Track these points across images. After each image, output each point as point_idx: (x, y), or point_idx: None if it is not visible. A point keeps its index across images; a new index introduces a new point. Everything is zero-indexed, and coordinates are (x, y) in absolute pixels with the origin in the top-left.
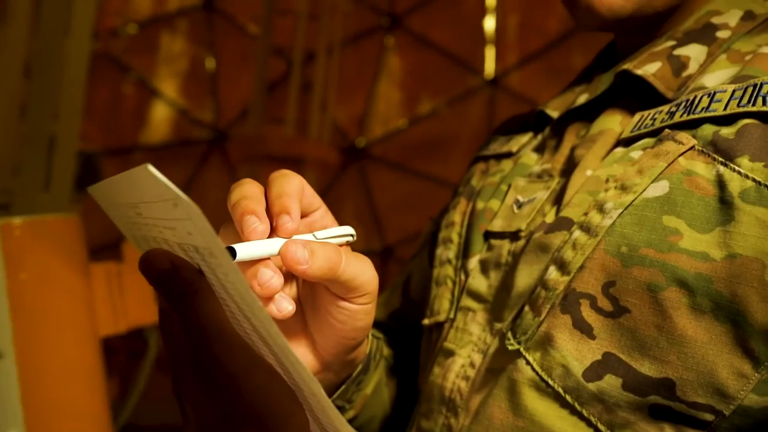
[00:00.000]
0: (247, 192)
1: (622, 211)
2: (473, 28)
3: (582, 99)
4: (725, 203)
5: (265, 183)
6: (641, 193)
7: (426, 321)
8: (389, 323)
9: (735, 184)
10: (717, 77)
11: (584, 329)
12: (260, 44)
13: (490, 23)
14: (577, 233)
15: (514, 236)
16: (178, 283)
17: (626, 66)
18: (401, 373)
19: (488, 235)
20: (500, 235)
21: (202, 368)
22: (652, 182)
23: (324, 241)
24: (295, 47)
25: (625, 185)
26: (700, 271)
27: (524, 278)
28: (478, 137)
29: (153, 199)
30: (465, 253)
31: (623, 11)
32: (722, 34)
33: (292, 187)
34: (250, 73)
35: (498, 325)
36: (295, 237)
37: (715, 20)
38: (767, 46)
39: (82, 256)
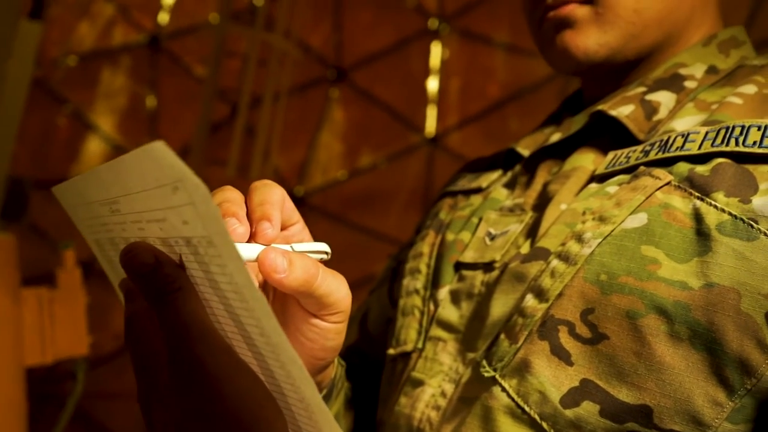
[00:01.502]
0: (229, 196)
1: (601, 241)
2: (417, 87)
3: (555, 137)
4: (702, 235)
5: None
6: (620, 224)
7: (391, 351)
8: (345, 357)
9: (712, 217)
10: (686, 122)
11: (562, 355)
12: (207, 85)
13: (433, 84)
14: (555, 262)
15: (487, 267)
16: (162, 278)
17: (601, 107)
18: (357, 406)
19: (459, 266)
20: (472, 266)
21: (183, 370)
22: (630, 214)
23: (302, 252)
24: (242, 91)
25: (604, 216)
26: (679, 299)
27: (500, 307)
28: (416, 193)
29: (146, 187)
30: (434, 283)
31: (597, 56)
32: (689, 84)
33: (274, 196)
34: (192, 114)
35: (471, 355)
36: (273, 245)
37: (683, 71)
38: (733, 96)
39: (13, 278)
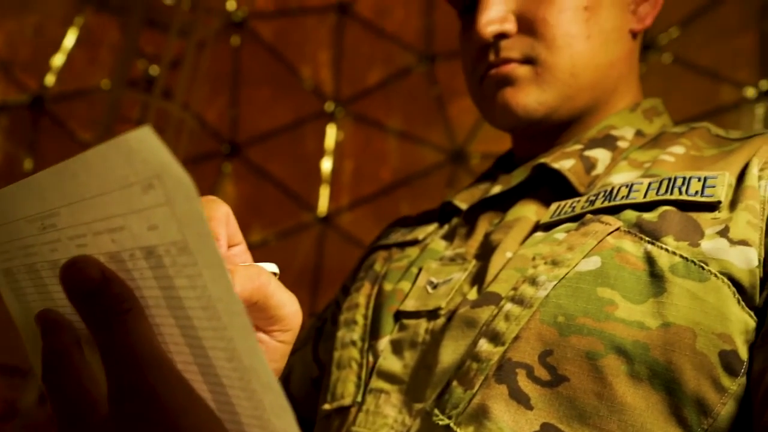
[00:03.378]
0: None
1: (556, 283)
2: (311, 167)
3: (496, 189)
4: (656, 277)
5: None
6: (574, 267)
7: (327, 406)
8: None
9: (664, 260)
10: (622, 177)
11: (521, 399)
12: None
13: (327, 165)
14: (509, 306)
15: (432, 314)
16: (110, 297)
17: (543, 160)
18: None
19: (400, 315)
20: (415, 315)
21: (133, 403)
22: (583, 257)
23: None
24: None
25: (557, 260)
26: (638, 339)
27: (449, 354)
28: (306, 271)
29: (105, 190)
30: (373, 334)
31: (536, 114)
32: (622, 144)
33: (219, 212)
34: None
35: (418, 405)
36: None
37: (614, 132)
38: (665, 155)
39: None
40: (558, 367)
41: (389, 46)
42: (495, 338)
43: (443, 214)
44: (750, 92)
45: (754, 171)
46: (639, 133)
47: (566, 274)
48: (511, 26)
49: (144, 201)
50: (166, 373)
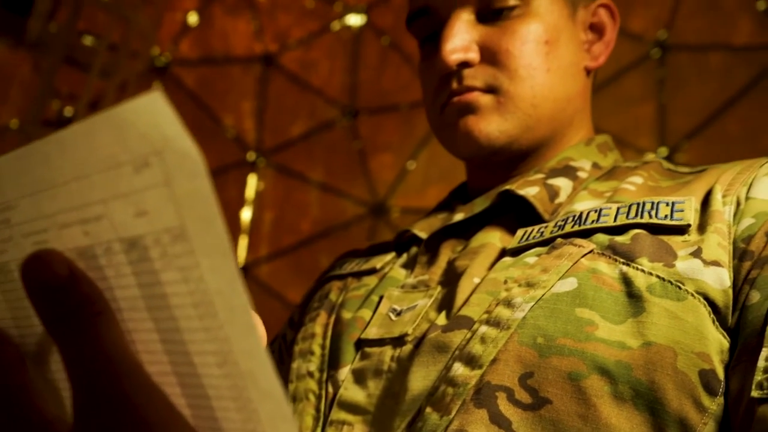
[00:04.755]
0: None
1: (534, 305)
2: (231, 215)
3: (459, 217)
4: (634, 297)
5: None
6: (550, 288)
7: None
8: None
9: (640, 280)
10: (585, 206)
11: (502, 424)
12: None
13: (247, 214)
14: (484, 328)
15: (397, 341)
16: (78, 297)
17: (508, 187)
18: None
19: (362, 344)
20: (378, 342)
21: (103, 415)
22: (559, 279)
23: None
24: None
25: (531, 282)
26: (620, 359)
27: (419, 380)
28: None
29: (82, 174)
30: (332, 364)
31: (497, 142)
32: (582, 174)
33: None
34: None
35: None
36: None
37: (573, 164)
38: (625, 184)
39: None
40: (539, 389)
41: (313, 100)
42: (471, 361)
43: (400, 244)
44: (650, 157)
45: (718, 197)
46: (595, 166)
47: (543, 295)
48: (474, 55)
49: (134, 183)
50: (143, 382)
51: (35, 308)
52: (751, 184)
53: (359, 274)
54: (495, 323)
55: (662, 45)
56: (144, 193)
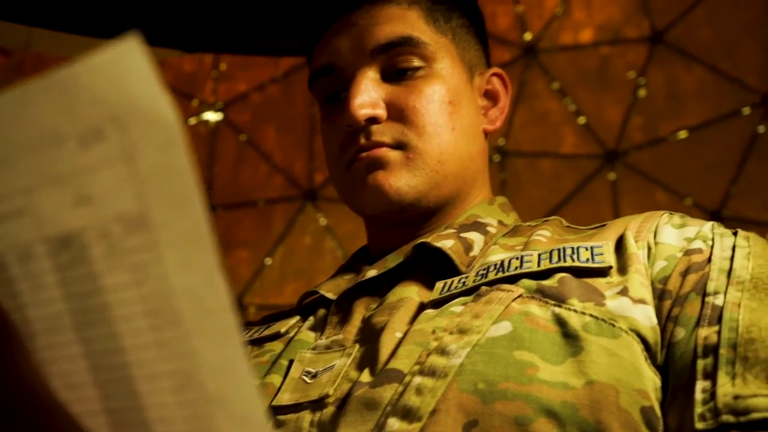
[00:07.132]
0: None
1: (470, 350)
2: None
3: (371, 273)
4: (570, 336)
5: None
6: (485, 333)
7: None
8: None
9: (574, 320)
10: (498, 258)
11: None
12: None
13: None
14: (418, 379)
15: (317, 404)
16: None
17: (424, 239)
18: None
19: (274, 412)
20: (294, 408)
21: None
22: (493, 323)
23: None
24: None
25: (464, 329)
26: (565, 399)
27: None
28: None
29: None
30: None
31: (407, 197)
32: (491, 230)
33: None
34: None
35: None
36: None
37: (481, 220)
38: (536, 236)
39: None
40: None
41: None
42: (408, 415)
43: (303, 308)
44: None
45: (631, 241)
46: (501, 223)
47: (478, 340)
48: (382, 112)
49: (77, 162)
50: (66, 419)
51: None
52: (656, 231)
53: (260, 341)
54: (430, 372)
55: (501, 151)
56: (90, 175)
